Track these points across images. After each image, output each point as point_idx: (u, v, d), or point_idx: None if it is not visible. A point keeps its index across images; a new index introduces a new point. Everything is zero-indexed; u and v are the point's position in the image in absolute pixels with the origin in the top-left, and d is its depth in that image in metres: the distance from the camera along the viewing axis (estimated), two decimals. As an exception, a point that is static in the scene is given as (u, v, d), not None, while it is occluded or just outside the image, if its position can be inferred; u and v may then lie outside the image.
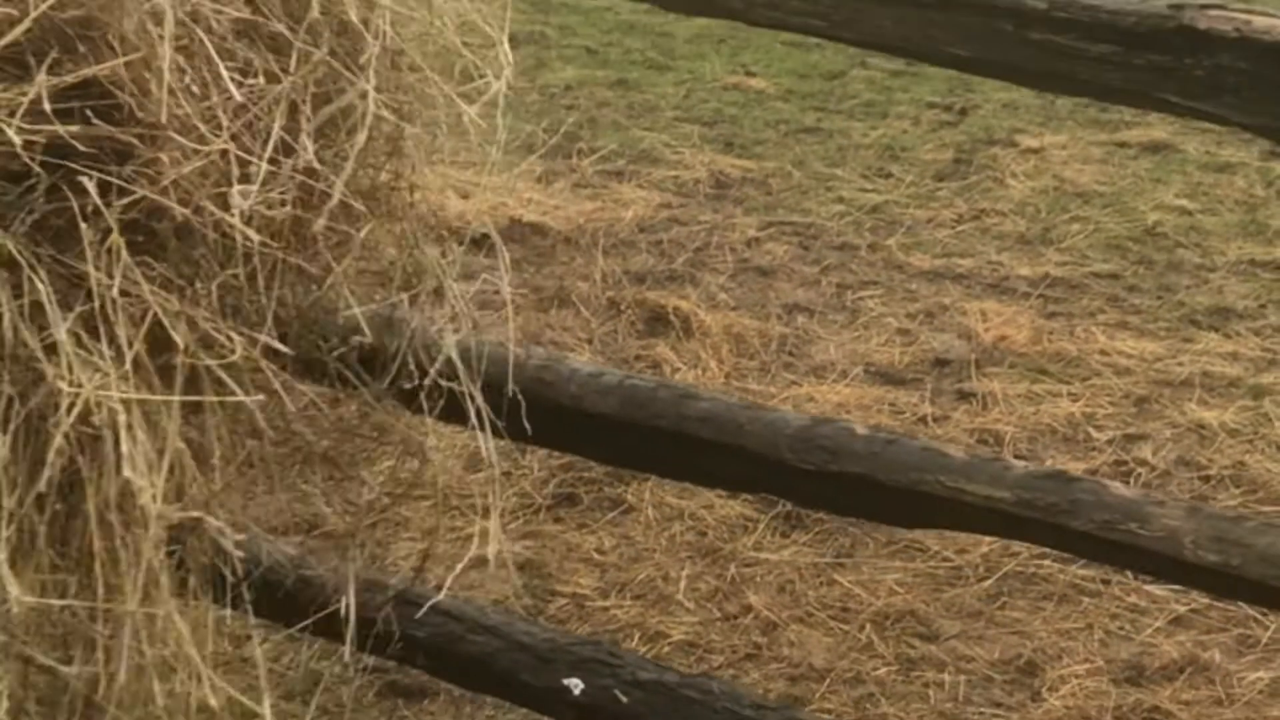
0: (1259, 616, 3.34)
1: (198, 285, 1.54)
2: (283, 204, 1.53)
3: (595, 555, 3.47)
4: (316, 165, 1.56)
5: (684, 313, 4.46)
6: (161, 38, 1.47)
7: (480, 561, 1.94)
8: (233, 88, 1.50)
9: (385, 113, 1.62)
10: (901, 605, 3.36)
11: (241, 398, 1.52)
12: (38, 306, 1.46)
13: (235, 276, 1.55)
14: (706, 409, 2.23)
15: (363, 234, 1.70)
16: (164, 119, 1.48)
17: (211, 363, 1.51)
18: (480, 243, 4.68)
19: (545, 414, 2.20)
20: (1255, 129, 1.69)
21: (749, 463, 2.13)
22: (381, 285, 1.86)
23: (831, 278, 4.94)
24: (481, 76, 1.76)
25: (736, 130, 6.34)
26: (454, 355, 1.85)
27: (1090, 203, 5.78)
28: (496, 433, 1.94)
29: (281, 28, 1.58)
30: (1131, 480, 3.81)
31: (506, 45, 1.77)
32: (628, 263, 4.87)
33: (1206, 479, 3.86)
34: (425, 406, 1.89)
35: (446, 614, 2.40)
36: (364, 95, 1.58)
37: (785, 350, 4.41)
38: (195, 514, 1.53)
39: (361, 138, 1.59)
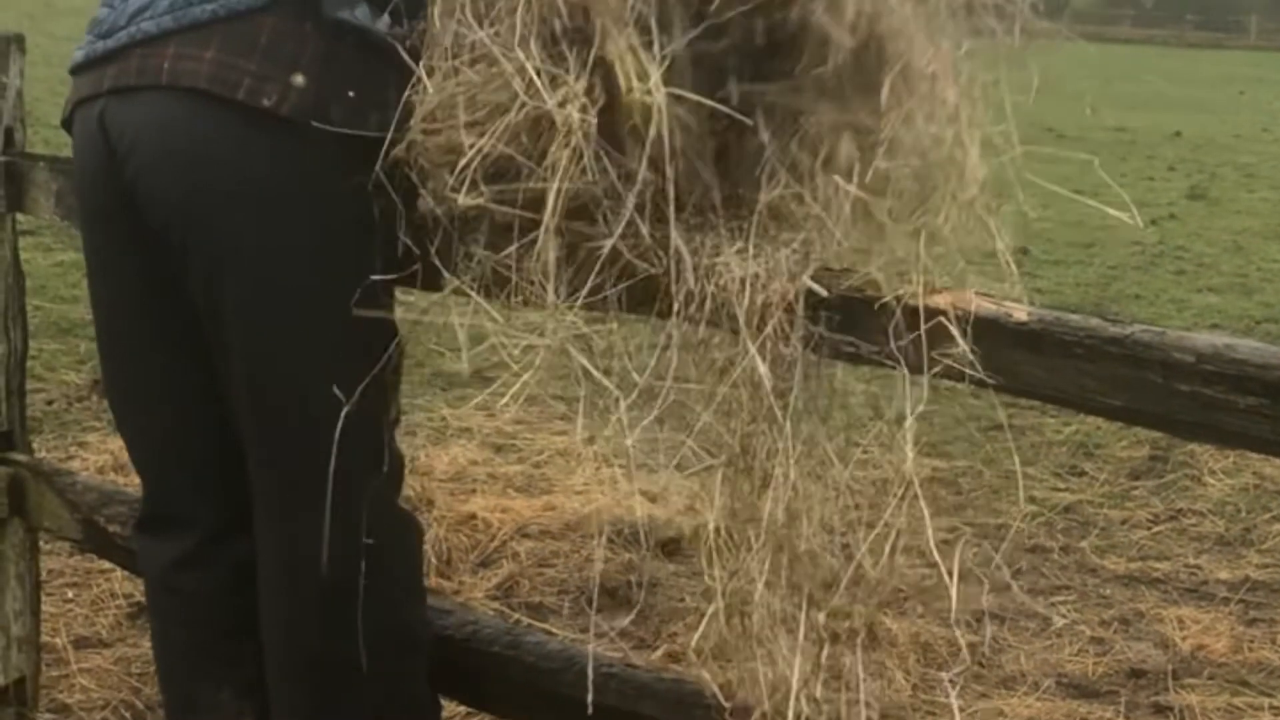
0: None
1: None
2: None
3: None
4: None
5: (869, 620, 4.41)
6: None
7: None
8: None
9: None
10: None
11: None
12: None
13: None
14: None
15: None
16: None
17: None
18: (669, 548, 4.68)
19: None
20: None
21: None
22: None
23: (1022, 582, 4.87)
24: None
25: (926, 428, 6.34)
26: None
27: (1292, 500, 5.67)
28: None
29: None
30: (1337, 803, 3.65)
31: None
32: (816, 568, 4.86)
33: None
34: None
35: None
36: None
37: (974, 660, 4.33)
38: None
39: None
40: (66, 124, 2.38)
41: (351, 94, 2.19)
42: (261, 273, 2.21)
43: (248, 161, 2.18)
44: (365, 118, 2.19)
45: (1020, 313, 1.87)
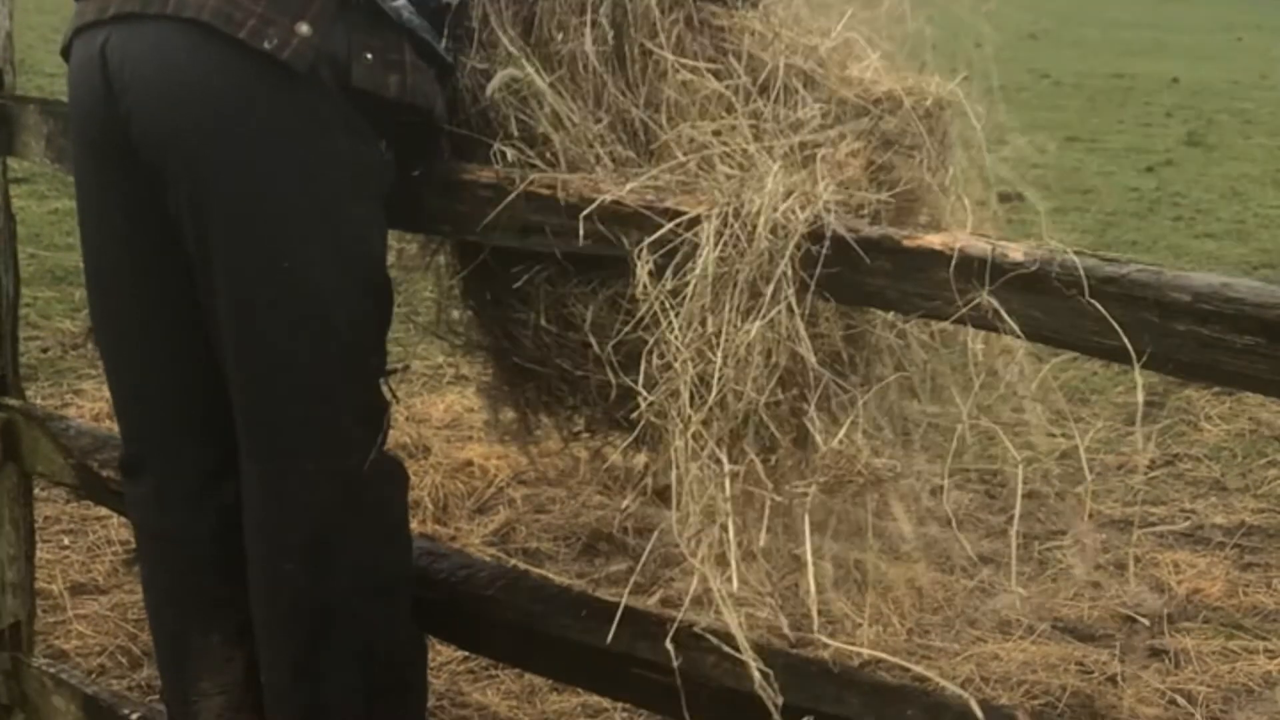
0: None
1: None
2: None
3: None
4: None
5: (865, 565, 4.42)
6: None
7: None
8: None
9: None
10: None
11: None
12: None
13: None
14: (869, 687, 2.22)
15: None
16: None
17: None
18: (665, 495, 4.68)
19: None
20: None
21: (909, 747, 2.10)
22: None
23: (1018, 527, 4.87)
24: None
25: (920, 374, 6.33)
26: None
27: (1288, 446, 5.67)
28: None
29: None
30: (1332, 746, 3.66)
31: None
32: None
33: None
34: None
35: None
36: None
37: (970, 604, 4.34)
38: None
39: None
40: (65, 52, 2.36)
41: (369, 56, 2.18)
42: (247, 217, 2.19)
43: (242, 102, 2.17)
44: (384, 80, 2.19)
45: (1016, 252, 1.86)
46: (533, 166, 2.23)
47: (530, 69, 2.26)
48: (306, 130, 2.18)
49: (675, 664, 2.13)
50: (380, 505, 2.35)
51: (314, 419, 2.26)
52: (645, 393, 2.02)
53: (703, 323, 1.98)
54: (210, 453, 2.40)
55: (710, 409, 1.97)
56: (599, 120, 2.27)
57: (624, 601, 2.24)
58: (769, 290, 1.96)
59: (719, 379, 1.96)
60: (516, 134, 2.27)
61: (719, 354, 1.96)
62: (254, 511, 2.32)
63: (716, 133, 2.20)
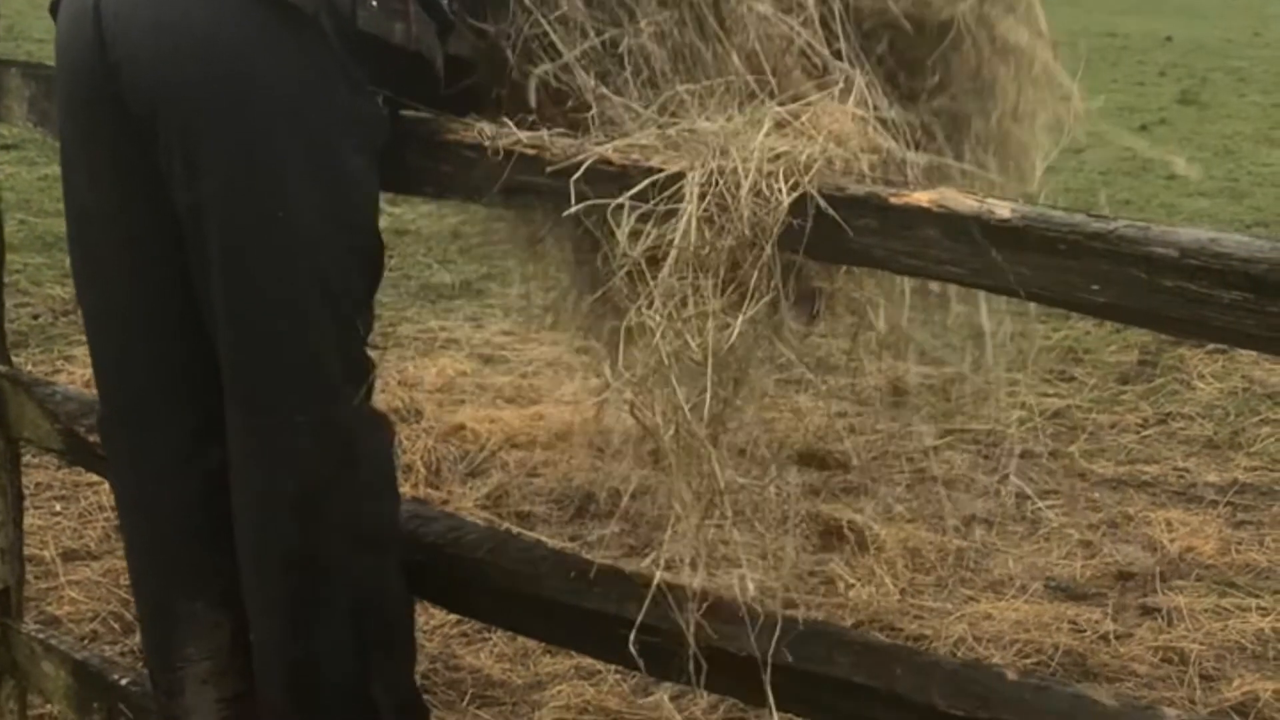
0: None
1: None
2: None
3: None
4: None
5: (858, 526, 4.42)
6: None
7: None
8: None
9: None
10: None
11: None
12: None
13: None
14: (859, 646, 2.22)
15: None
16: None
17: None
18: (658, 456, 4.66)
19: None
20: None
21: (898, 708, 2.10)
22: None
23: (1011, 487, 4.87)
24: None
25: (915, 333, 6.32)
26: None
27: (1281, 403, 5.66)
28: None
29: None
30: (1325, 703, 3.66)
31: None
32: (802, 475, 4.85)
33: (1406, 700, 3.69)
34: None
35: None
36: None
37: (963, 564, 4.34)
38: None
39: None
40: (53, 8, 2.33)
41: (374, 2, 2.16)
42: (241, 166, 2.16)
43: (240, 46, 2.13)
44: (390, 26, 2.17)
45: (1003, 209, 1.84)
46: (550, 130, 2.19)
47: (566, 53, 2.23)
48: (305, 78, 2.15)
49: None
50: (369, 458, 2.33)
51: (303, 370, 2.24)
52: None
53: (682, 302, 1.96)
54: (194, 414, 2.38)
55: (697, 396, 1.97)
56: (663, 14, 2.24)
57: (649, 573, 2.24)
58: (752, 281, 1.95)
59: (709, 376, 1.95)
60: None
61: (696, 343, 1.95)
62: (243, 466, 2.31)
63: (788, 10, 2.22)
